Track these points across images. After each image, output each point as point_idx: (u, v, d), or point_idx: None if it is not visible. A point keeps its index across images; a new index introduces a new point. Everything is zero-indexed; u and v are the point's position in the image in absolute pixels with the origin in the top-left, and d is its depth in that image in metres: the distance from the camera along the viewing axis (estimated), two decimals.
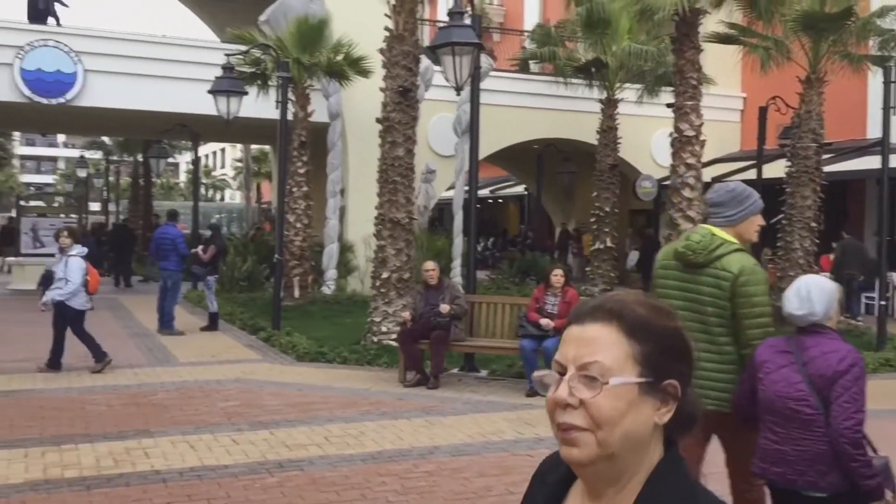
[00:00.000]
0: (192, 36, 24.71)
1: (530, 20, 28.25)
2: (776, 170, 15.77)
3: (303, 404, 8.16)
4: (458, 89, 9.67)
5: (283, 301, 13.47)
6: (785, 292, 3.40)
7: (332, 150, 17.25)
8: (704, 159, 14.95)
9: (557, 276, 8.83)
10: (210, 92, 13.39)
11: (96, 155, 39.24)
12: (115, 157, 35.93)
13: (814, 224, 14.60)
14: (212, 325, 13.17)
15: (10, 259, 21.35)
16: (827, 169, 15.15)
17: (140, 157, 30.79)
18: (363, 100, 16.30)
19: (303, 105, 16.35)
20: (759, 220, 3.89)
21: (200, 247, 13.60)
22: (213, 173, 62.36)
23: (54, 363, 9.61)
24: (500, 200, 34.53)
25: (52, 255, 19.53)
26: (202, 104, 14.85)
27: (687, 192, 14.11)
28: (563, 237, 24.85)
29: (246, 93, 14.03)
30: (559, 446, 1.21)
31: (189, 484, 5.69)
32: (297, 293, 15.91)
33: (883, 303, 11.91)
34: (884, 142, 11.60)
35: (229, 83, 13.48)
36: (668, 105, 14.96)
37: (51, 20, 18.30)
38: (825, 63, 14.64)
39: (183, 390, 8.76)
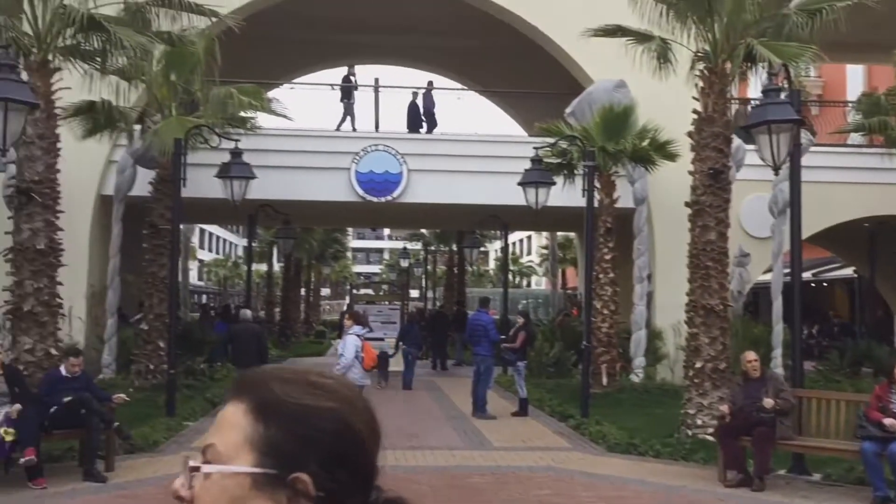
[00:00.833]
0: (502, 132, 26.18)
1: (853, 90, 26.22)
2: None
3: (616, 498, 7.92)
4: (777, 169, 9.14)
5: (591, 388, 13.37)
6: None
7: (639, 235, 17.08)
8: None
9: None
10: (520, 184, 13.99)
11: (416, 245, 42.60)
12: (432, 248, 38.70)
13: None
14: (522, 410, 13.40)
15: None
16: None
17: (454, 247, 32.87)
18: (670, 184, 16.02)
19: (608, 192, 16.44)
20: None
21: (514, 328, 14.00)
22: (521, 260, 64.52)
23: None
24: (825, 284, 31.76)
25: (381, 339, 21.44)
26: (512, 195, 15.53)
27: None
28: None
29: (554, 183, 14.46)
30: None
31: None
32: (605, 380, 15.71)
33: None
34: None
35: (538, 175, 14.01)
36: None
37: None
38: None
39: (497, 475, 8.92)
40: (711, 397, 10.52)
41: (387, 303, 24.01)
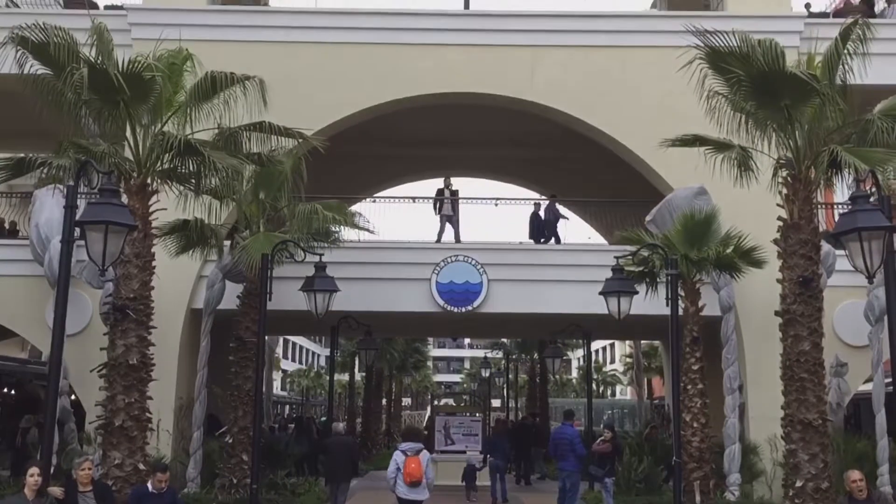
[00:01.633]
0: (582, 240, 26.15)
1: None
2: None
3: None
4: (871, 277, 8.81)
5: None
6: None
7: (727, 344, 16.55)
8: None
9: None
10: (601, 293, 13.83)
11: (497, 355, 42.25)
12: (514, 356, 38.32)
13: None
14: None
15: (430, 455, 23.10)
16: None
17: (536, 356, 32.46)
18: (757, 291, 15.61)
19: (693, 300, 16.07)
20: None
21: (600, 438, 13.58)
22: (604, 369, 63.20)
23: None
24: None
25: (463, 452, 21.04)
26: (593, 304, 15.32)
27: None
28: None
29: (636, 292, 14.23)
30: None
31: None
32: (698, 498, 14.92)
33: None
34: None
35: (619, 284, 13.82)
36: None
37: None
38: None
39: None
40: None
41: (468, 414, 23.67)
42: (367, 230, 17.62)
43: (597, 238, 27.87)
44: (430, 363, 66.88)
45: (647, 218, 17.14)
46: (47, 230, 15.75)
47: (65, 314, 8.72)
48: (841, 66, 10.98)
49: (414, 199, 23.01)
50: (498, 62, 18.14)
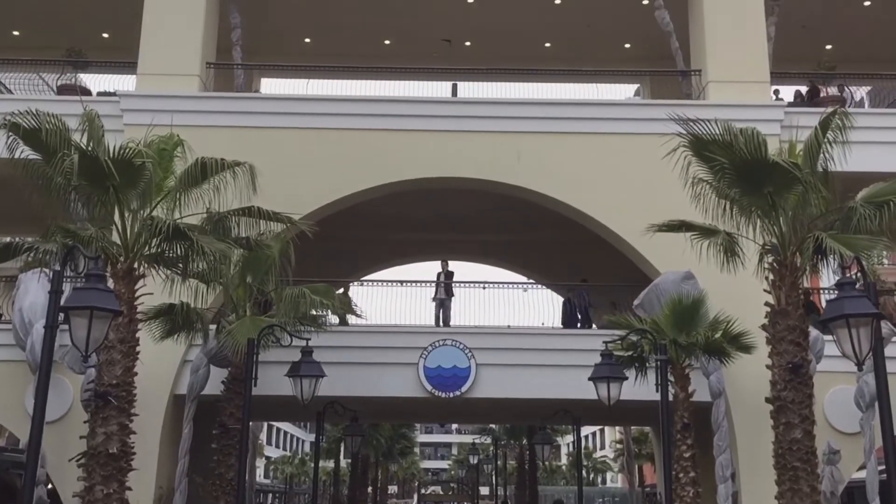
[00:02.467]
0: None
1: None
2: None
3: None
4: (860, 364, 8.78)
5: None
6: None
7: (718, 431, 16.34)
8: None
9: None
10: (591, 379, 13.69)
11: (486, 440, 41.59)
12: (502, 442, 37.73)
13: None
14: None
15: None
16: None
17: (525, 442, 31.96)
18: (747, 376, 15.50)
19: (683, 385, 15.93)
20: None
21: None
22: (594, 455, 62.19)
23: None
24: None
25: None
26: (583, 389, 15.15)
27: None
28: None
29: (625, 377, 14.10)
30: None
31: None
32: None
33: None
34: None
35: (608, 369, 13.70)
36: None
37: None
38: None
39: None
40: None
41: (455, 503, 23.12)
42: (355, 314, 17.53)
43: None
44: (417, 449, 65.70)
45: (635, 302, 17.13)
46: (31, 314, 15.57)
47: (45, 400, 8.54)
48: (822, 155, 11.20)
49: (402, 282, 23.00)
50: (484, 147, 18.41)
